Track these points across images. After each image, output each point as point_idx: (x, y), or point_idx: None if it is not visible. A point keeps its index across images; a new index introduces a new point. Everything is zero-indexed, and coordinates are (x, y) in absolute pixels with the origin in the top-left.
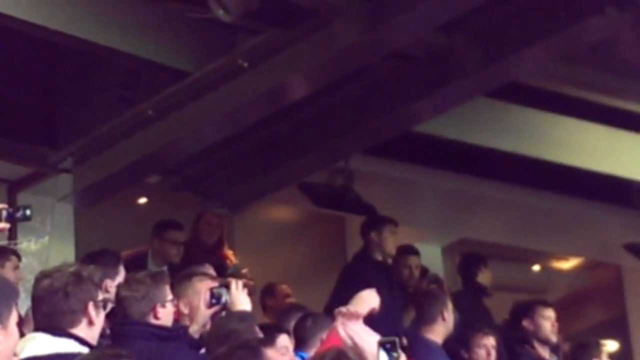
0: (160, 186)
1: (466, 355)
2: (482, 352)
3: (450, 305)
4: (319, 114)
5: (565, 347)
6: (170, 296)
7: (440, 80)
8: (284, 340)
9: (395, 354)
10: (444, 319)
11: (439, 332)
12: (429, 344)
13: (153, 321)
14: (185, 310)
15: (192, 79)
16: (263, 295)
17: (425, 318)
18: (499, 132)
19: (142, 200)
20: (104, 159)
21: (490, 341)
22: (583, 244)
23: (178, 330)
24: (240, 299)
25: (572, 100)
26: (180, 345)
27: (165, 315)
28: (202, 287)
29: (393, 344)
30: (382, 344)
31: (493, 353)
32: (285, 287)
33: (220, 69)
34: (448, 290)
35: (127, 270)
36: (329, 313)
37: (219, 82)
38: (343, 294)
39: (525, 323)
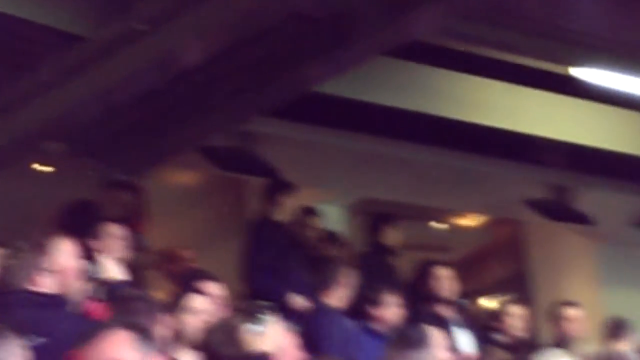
0: (62, 153)
1: (375, 314)
2: (389, 310)
3: (349, 271)
4: (220, 77)
5: (467, 303)
6: (52, 264)
7: (340, 40)
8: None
9: (267, 318)
10: (342, 284)
11: (337, 297)
12: (328, 309)
13: (33, 288)
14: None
15: (90, 44)
16: (165, 261)
17: (324, 283)
18: (399, 90)
19: (44, 168)
20: (2, 126)
21: (397, 299)
22: (484, 200)
23: (57, 297)
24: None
25: (471, 57)
26: (58, 311)
27: (45, 283)
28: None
29: (268, 308)
30: (255, 307)
31: (399, 311)
32: (186, 252)
33: (118, 34)
34: (352, 251)
35: None
36: (244, 277)
37: (117, 46)
38: (252, 257)
39: (425, 282)
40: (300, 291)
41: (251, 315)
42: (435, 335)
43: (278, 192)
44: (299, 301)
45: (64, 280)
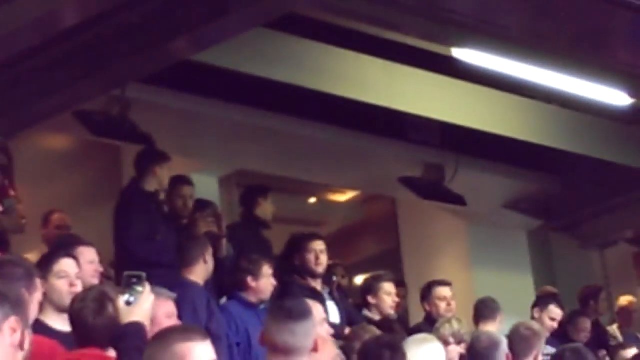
0: None
1: (253, 284)
2: (266, 282)
3: (210, 249)
4: (95, 41)
5: (338, 278)
6: None
7: (218, 10)
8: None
9: (140, 288)
10: (205, 262)
11: (199, 273)
12: (189, 284)
13: None
14: None
15: None
16: (41, 224)
17: (187, 260)
18: (277, 63)
19: None
20: None
21: (272, 271)
22: (359, 176)
23: None
24: None
25: (349, 32)
26: None
27: None
28: None
29: (139, 278)
30: (128, 277)
31: (274, 283)
32: (58, 217)
33: None
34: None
35: None
36: (116, 245)
37: None
38: (123, 225)
39: (295, 256)
40: (165, 262)
41: (123, 285)
42: (314, 307)
43: (151, 162)
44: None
45: None
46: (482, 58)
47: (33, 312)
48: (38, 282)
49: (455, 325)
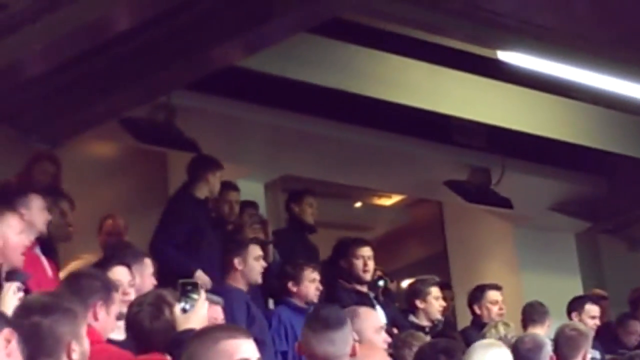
0: None
1: (294, 289)
2: (309, 287)
3: (252, 253)
4: (141, 48)
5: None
6: None
7: (263, 15)
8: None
9: (195, 296)
10: (236, 268)
11: (239, 278)
12: (228, 289)
13: None
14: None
15: (11, 11)
16: (98, 230)
17: (226, 265)
18: (321, 68)
19: None
20: None
21: (317, 276)
22: (404, 180)
23: None
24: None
25: (394, 36)
26: None
27: None
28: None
29: (194, 285)
30: (183, 285)
31: (318, 288)
32: (111, 222)
33: (40, 1)
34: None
35: None
36: (153, 250)
37: (39, 13)
38: (167, 231)
39: (342, 261)
40: (210, 270)
41: (179, 293)
42: (373, 314)
43: (203, 169)
44: (204, 279)
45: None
46: (527, 60)
47: (111, 325)
48: (115, 295)
49: (502, 329)
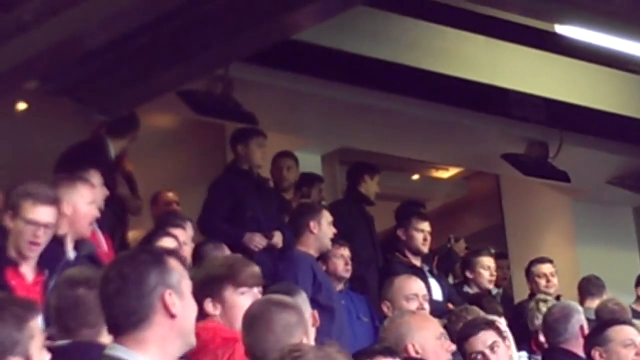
0: (39, 92)
1: (323, 267)
2: (339, 262)
3: (327, 217)
4: (199, 21)
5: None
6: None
7: None
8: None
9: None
10: (312, 231)
11: (309, 244)
12: (295, 255)
13: None
14: (69, 212)
15: None
16: (150, 205)
17: (296, 230)
18: (379, 41)
19: (21, 106)
20: None
21: (346, 252)
22: (462, 153)
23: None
24: None
25: (451, 9)
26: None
27: None
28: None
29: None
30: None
31: (350, 263)
32: (167, 195)
33: None
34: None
35: None
36: (203, 224)
37: None
38: (214, 206)
39: (400, 233)
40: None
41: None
42: (415, 283)
43: (242, 142)
44: (256, 239)
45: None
46: (585, 34)
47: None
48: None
49: (543, 308)
